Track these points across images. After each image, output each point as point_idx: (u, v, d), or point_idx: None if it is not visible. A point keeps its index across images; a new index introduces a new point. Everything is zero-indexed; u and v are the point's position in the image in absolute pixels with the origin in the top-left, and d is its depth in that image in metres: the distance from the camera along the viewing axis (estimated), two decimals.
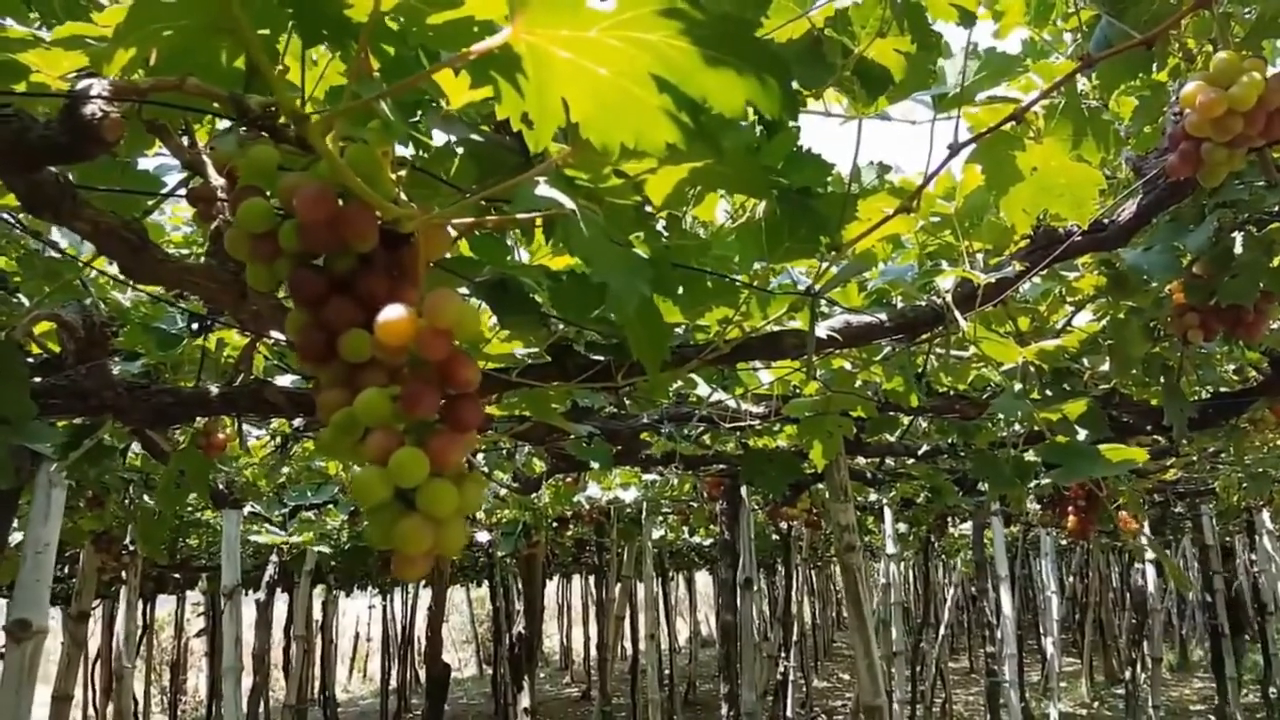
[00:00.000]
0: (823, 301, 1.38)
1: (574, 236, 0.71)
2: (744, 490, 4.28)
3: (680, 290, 1.35)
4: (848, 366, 2.02)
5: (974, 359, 1.97)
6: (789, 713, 8.26)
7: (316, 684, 12.47)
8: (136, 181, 1.19)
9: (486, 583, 14.30)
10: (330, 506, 4.72)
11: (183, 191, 1.23)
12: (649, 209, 1.02)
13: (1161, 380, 1.76)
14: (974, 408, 2.11)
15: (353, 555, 9.12)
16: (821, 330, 1.41)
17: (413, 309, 0.67)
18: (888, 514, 6.84)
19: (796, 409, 1.77)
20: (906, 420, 2.42)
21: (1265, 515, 6.99)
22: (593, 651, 13.97)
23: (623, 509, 6.90)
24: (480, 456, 3.41)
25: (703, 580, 20.35)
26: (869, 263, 1.32)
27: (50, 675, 4.53)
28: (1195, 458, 3.01)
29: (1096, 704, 11.89)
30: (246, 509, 3.77)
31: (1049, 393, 1.77)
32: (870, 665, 2.41)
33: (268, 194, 0.76)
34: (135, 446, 3.02)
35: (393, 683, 13.47)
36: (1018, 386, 1.61)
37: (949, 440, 2.63)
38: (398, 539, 0.65)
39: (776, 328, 1.54)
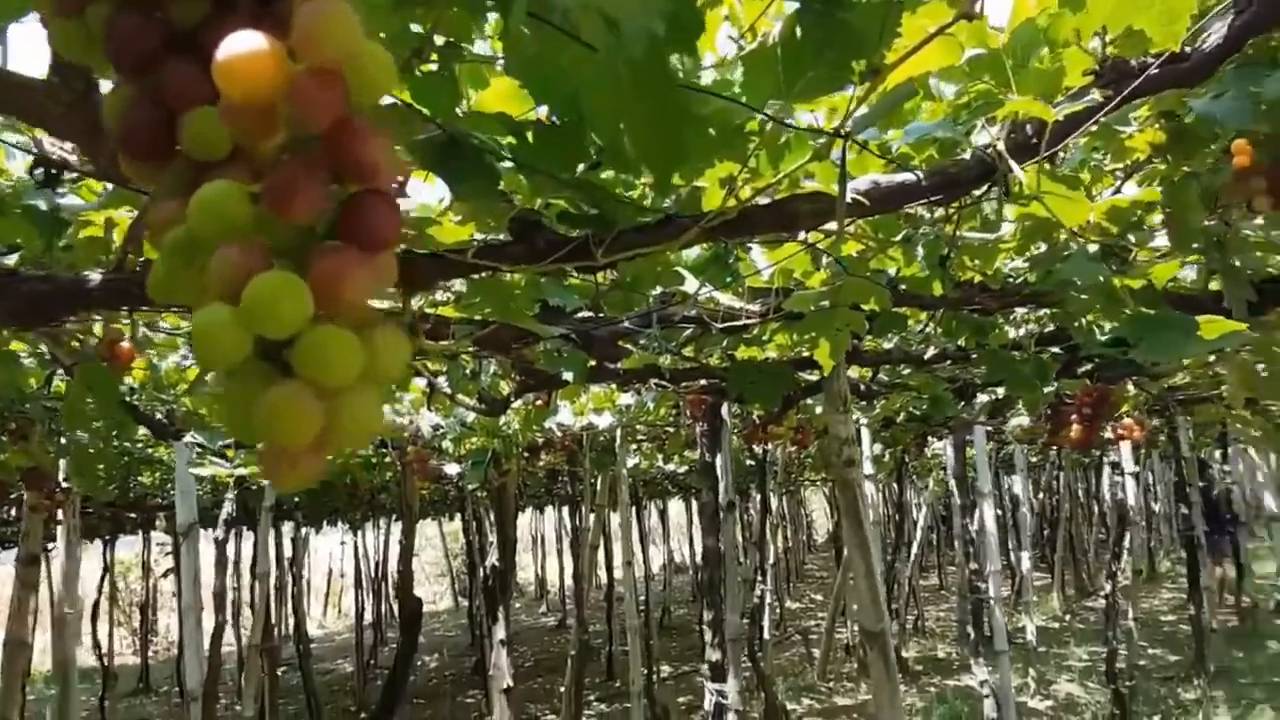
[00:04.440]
0: (849, 154, 1.12)
1: None
2: (725, 411, 4.06)
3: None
4: (853, 255, 1.77)
5: (999, 242, 1.73)
6: (765, 634, 8.22)
7: (291, 621, 12.36)
8: None
9: (459, 516, 14.19)
10: None
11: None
12: None
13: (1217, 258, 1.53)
14: (995, 300, 1.87)
15: (318, 491, 8.88)
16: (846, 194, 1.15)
17: (280, 45, 0.41)
18: (865, 435, 6.69)
19: (802, 302, 1.52)
20: (924, 315, 2.19)
21: (1253, 429, 6.91)
22: (568, 581, 13.92)
23: (596, 437, 6.69)
24: (441, 378, 3.15)
25: (675, 509, 20.41)
26: (915, 89, 1.06)
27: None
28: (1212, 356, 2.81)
29: (1069, 617, 12.04)
30: (188, 440, 3.49)
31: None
32: (872, 588, 2.21)
33: None
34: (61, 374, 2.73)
35: (368, 617, 13.37)
36: (1092, 247, 1.37)
37: (958, 343, 2.41)
38: (263, 420, 0.39)
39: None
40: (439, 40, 1.12)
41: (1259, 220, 1.82)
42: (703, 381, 3.13)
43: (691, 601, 15.42)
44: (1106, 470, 13.02)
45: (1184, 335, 1.09)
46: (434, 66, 1.13)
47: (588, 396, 4.88)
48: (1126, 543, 7.45)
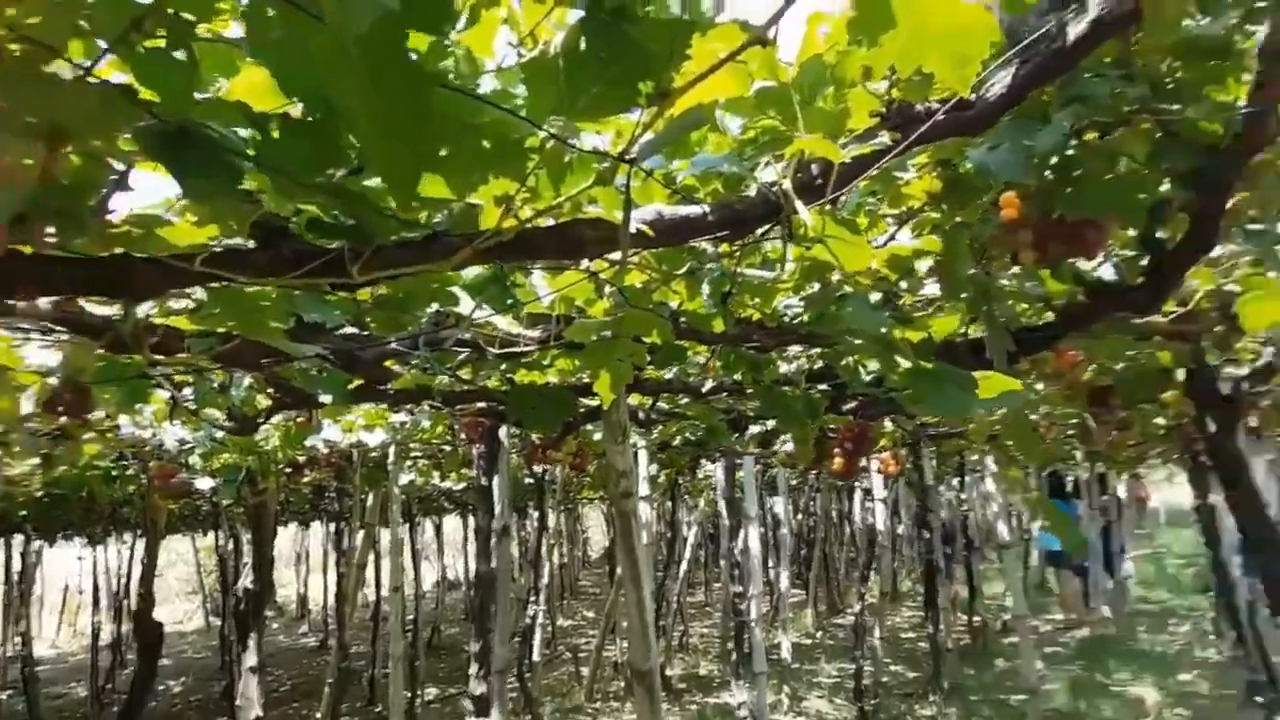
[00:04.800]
0: (634, 182, 1.05)
1: None
2: (503, 433, 3.93)
3: (444, 152, 0.97)
4: (637, 286, 1.71)
5: (777, 281, 1.72)
6: (535, 655, 8.12)
7: (17, 641, 11.10)
8: None
9: (214, 531, 13.27)
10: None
11: None
12: None
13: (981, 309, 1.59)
14: (772, 338, 1.88)
15: (49, 503, 8.00)
16: (630, 223, 1.08)
17: None
18: (643, 455, 6.75)
19: (583, 331, 1.45)
20: (706, 349, 2.17)
21: (990, 460, 7.53)
22: (332, 600, 13.26)
23: (367, 453, 6.38)
24: (187, 390, 2.85)
25: (452, 524, 19.99)
26: (705, 117, 1.00)
27: None
28: None
29: (820, 634, 12.68)
30: None
31: None
32: (643, 625, 2.16)
33: None
34: None
35: (107, 637, 12.26)
36: (874, 295, 1.37)
37: (734, 377, 2.42)
38: None
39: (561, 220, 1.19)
40: (170, 13, 0.96)
41: (1014, 270, 1.92)
42: (481, 404, 3.00)
43: (464, 620, 15.07)
44: (858, 494, 13.88)
45: (964, 392, 1.10)
46: (162, 43, 0.96)
47: (358, 414, 4.61)
48: (875, 564, 7.93)
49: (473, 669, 3.66)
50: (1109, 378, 3.18)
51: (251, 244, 1.21)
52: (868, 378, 2.40)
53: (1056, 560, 11.88)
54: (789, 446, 5.49)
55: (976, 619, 10.58)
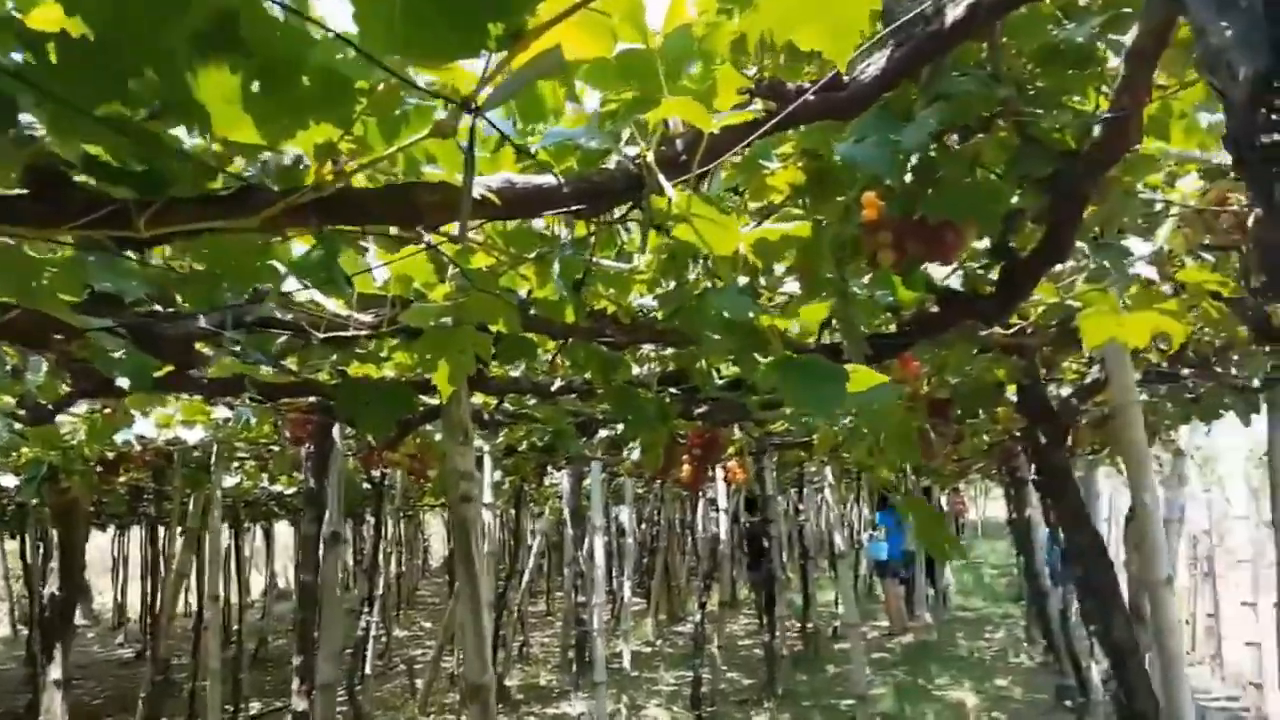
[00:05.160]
0: (484, 152, 0.94)
1: None
2: (336, 432, 3.70)
3: (256, 86, 0.84)
4: (484, 269, 1.59)
5: (634, 273, 1.64)
6: (368, 668, 7.77)
7: None
8: None
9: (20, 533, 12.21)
10: None
11: None
12: None
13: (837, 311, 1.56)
14: (626, 334, 1.79)
15: None
16: (476, 188, 0.97)
17: None
18: (488, 462, 6.57)
19: (421, 315, 1.32)
20: (555, 345, 2.05)
21: (828, 471, 7.71)
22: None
23: (187, 452, 5.94)
24: None
25: (282, 530, 19.08)
26: (560, 65, 0.89)
27: None
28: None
29: (660, 642, 12.74)
30: None
31: None
32: (480, 640, 2.03)
33: None
34: None
35: None
36: (742, 280, 1.29)
37: (584, 376, 2.32)
38: None
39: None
40: None
41: (866, 278, 1.90)
42: (309, 399, 2.79)
43: (292, 631, 14.36)
44: (701, 504, 14.05)
45: (836, 385, 1.03)
46: None
47: (175, 408, 4.25)
48: (716, 573, 8.00)
49: (295, 684, 3.41)
50: (947, 390, 3.27)
51: (24, 192, 1.03)
52: (720, 382, 2.36)
53: (884, 569, 12.38)
54: (637, 454, 5.45)
55: (809, 626, 10.84)
